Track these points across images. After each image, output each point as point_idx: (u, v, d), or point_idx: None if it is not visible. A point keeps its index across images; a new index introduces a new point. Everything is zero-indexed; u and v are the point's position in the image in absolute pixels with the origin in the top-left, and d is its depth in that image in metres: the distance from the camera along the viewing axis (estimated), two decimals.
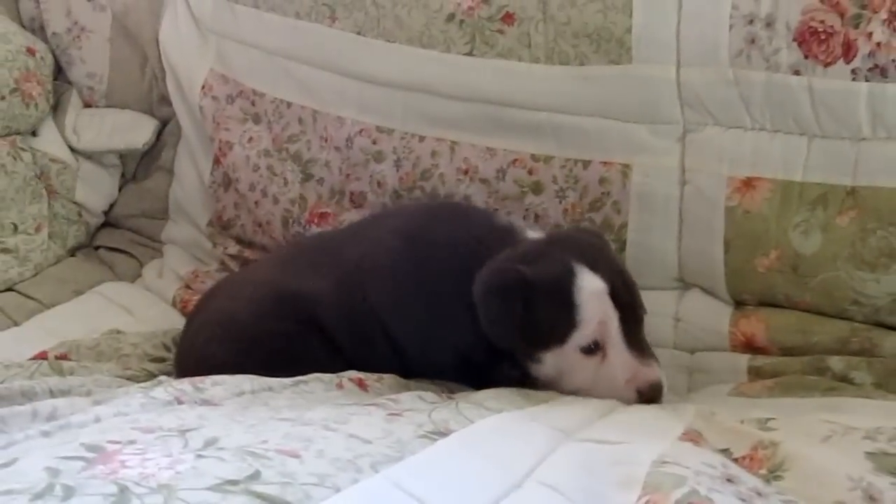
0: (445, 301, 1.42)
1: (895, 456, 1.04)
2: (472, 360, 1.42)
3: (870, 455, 1.04)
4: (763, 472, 1.06)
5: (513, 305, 1.32)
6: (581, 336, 1.31)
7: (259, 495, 0.77)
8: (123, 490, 0.75)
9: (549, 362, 1.35)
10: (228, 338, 1.56)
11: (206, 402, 1.11)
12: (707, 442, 1.13)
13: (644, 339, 1.36)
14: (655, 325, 1.56)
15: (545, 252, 1.36)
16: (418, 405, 1.18)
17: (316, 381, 1.30)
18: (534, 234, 1.46)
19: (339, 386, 1.32)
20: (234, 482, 0.79)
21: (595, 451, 1.05)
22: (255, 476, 0.80)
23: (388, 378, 1.41)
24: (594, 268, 1.32)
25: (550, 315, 1.32)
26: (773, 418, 1.18)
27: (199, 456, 0.83)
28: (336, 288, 1.51)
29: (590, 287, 1.31)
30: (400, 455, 0.92)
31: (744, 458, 1.09)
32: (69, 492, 0.75)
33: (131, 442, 0.86)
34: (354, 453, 0.89)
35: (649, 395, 1.32)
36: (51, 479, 0.77)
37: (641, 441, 1.07)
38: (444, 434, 1.03)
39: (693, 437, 1.13)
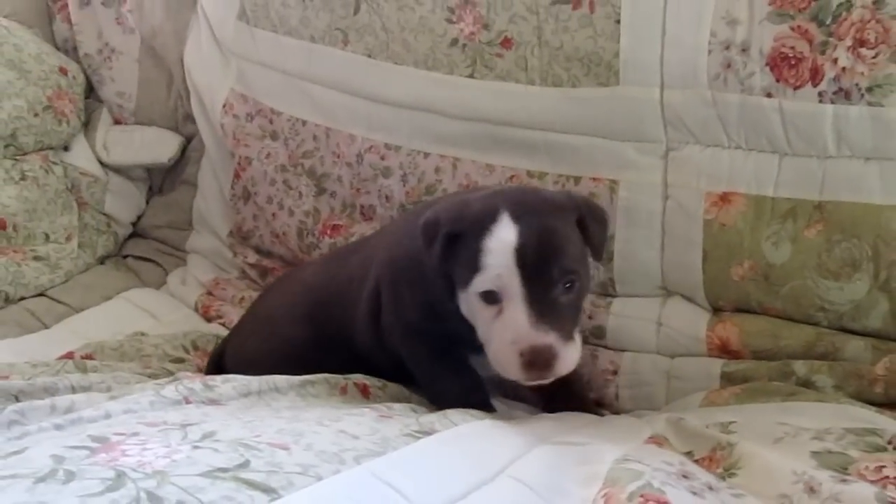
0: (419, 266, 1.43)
1: (838, 454, 1.12)
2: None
3: (815, 454, 1.12)
4: (720, 470, 1.14)
5: (433, 245, 1.33)
6: (479, 282, 1.30)
7: (246, 482, 0.84)
8: (120, 475, 0.82)
9: (462, 303, 1.36)
10: (263, 335, 1.66)
11: (212, 402, 1.18)
12: (672, 445, 1.21)
13: (555, 307, 1.29)
14: (640, 330, 1.65)
15: (487, 200, 1.35)
16: (409, 412, 1.24)
17: (322, 383, 1.37)
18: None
19: (343, 390, 1.39)
20: (224, 469, 0.86)
21: (565, 452, 1.13)
22: (245, 465, 0.87)
23: (393, 386, 1.48)
24: (517, 221, 1.30)
25: (463, 257, 1.32)
26: (734, 421, 1.26)
27: (196, 447, 0.90)
28: (358, 286, 1.58)
29: (499, 237, 1.29)
30: (383, 450, 1.00)
31: (704, 458, 1.17)
32: (70, 476, 0.82)
33: (135, 434, 0.94)
34: (340, 447, 0.96)
35: (530, 358, 1.26)
36: (55, 465, 0.84)
37: (608, 443, 1.15)
38: (427, 433, 1.10)
39: (658, 440, 1.21)
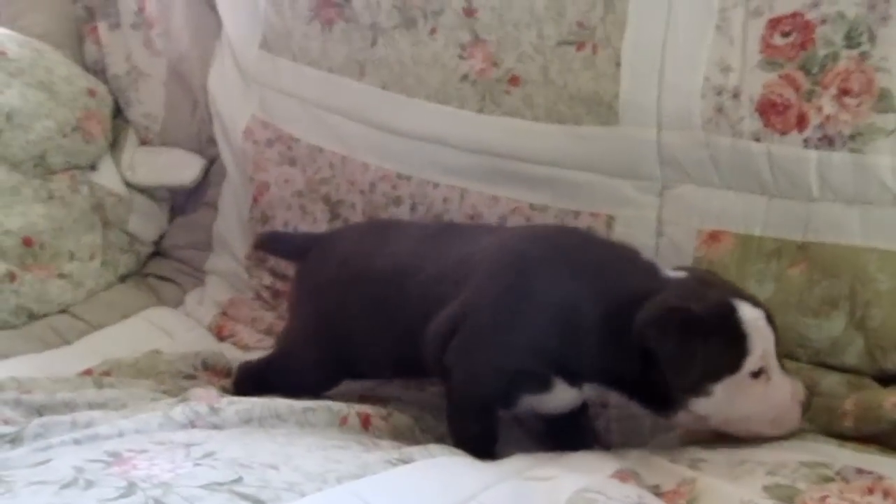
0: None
1: (786, 486, 1.18)
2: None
3: (766, 487, 1.19)
4: (682, 502, 1.20)
5: (693, 342, 1.30)
6: (751, 362, 1.33)
7: (239, 494, 0.95)
8: (132, 485, 0.94)
9: (721, 393, 1.33)
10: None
11: (216, 427, 1.27)
12: (640, 479, 1.26)
13: None
14: None
15: (695, 289, 1.36)
16: (394, 447, 1.31)
17: (325, 411, 1.43)
18: (668, 271, 1.44)
19: (344, 420, 1.43)
20: (220, 483, 0.97)
21: (532, 486, 1.19)
22: (239, 480, 0.99)
23: (398, 416, 1.52)
24: (744, 299, 1.35)
25: (723, 347, 1.33)
26: (704, 459, 1.31)
27: (197, 464, 1.02)
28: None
29: (752, 316, 1.34)
30: (363, 473, 1.09)
31: (670, 492, 1.23)
32: (89, 484, 0.95)
33: (144, 451, 1.05)
34: (325, 469, 1.06)
35: (808, 403, 1.40)
36: (76, 475, 0.97)
37: (572, 477, 1.21)
38: (406, 462, 1.18)
39: (623, 475, 1.26)
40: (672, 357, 1.31)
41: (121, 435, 1.17)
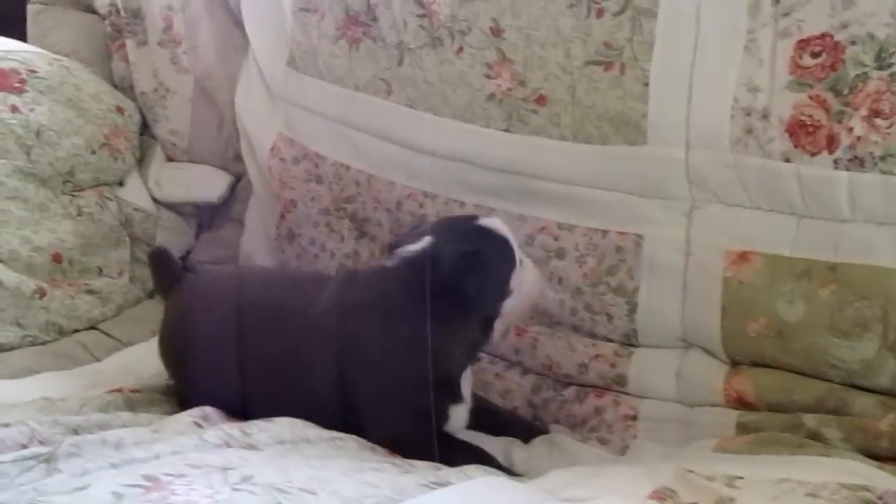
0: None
1: None
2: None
3: None
4: None
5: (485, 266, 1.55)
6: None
7: None
8: None
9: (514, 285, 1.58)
10: None
11: (251, 447, 1.27)
12: (677, 498, 1.26)
13: None
14: (661, 380, 1.71)
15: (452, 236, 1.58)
16: (430, 468, 1.32)
17: (350, 440, 1.44)
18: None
19: (373, 448, 1.45)
20: None
21: None
22: None
23: None
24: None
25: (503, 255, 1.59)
26: (741, 477, 1.31)
27: (235, 489, 1.01)
28: None
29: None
30: (400, 498, 1.08)
31: None
32: None
33: (181, 475, 1.05)
34: (361, 494, 1.06)
35: None
36: (115, 501, 0.96)
37: (609, 499, 1.22)
38: (443, 485, 1.18)
39: (661, 495, 1.27)
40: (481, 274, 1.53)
41: (157, 457, 1.17)
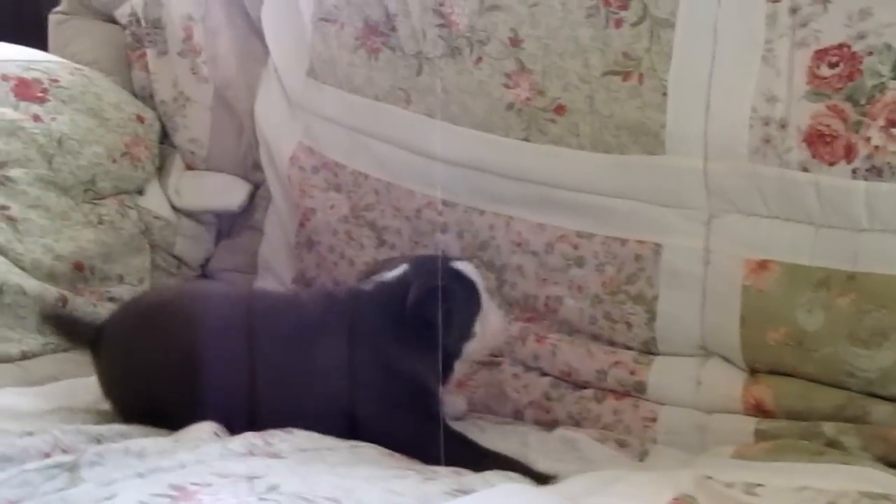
0: None
1: None
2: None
3: None
4: None
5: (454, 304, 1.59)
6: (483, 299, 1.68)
7: None
8: None
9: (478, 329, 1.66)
10: None
11: (274, 455, 1.28)
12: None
13: None
14: (680, 386, 1.72)
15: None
16: (452, 475, 1.32)
17: (370, 448, 1.44)
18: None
19: (392, 455, 1.45)
20: None
21: None
22: None
23: None
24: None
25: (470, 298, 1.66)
26: (761, 485, 1.31)
27: (262, 499, 1.03)
28: None
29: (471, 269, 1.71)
30: None
31: None
32: None
33: (208, 485, 1.06)
34: (386, 502, 1.07)
35: None
36: None
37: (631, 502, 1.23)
38: (466, 493, 1.19)
39: (681, 502, 1.27)
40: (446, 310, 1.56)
41: (182, 467, 1.17)
